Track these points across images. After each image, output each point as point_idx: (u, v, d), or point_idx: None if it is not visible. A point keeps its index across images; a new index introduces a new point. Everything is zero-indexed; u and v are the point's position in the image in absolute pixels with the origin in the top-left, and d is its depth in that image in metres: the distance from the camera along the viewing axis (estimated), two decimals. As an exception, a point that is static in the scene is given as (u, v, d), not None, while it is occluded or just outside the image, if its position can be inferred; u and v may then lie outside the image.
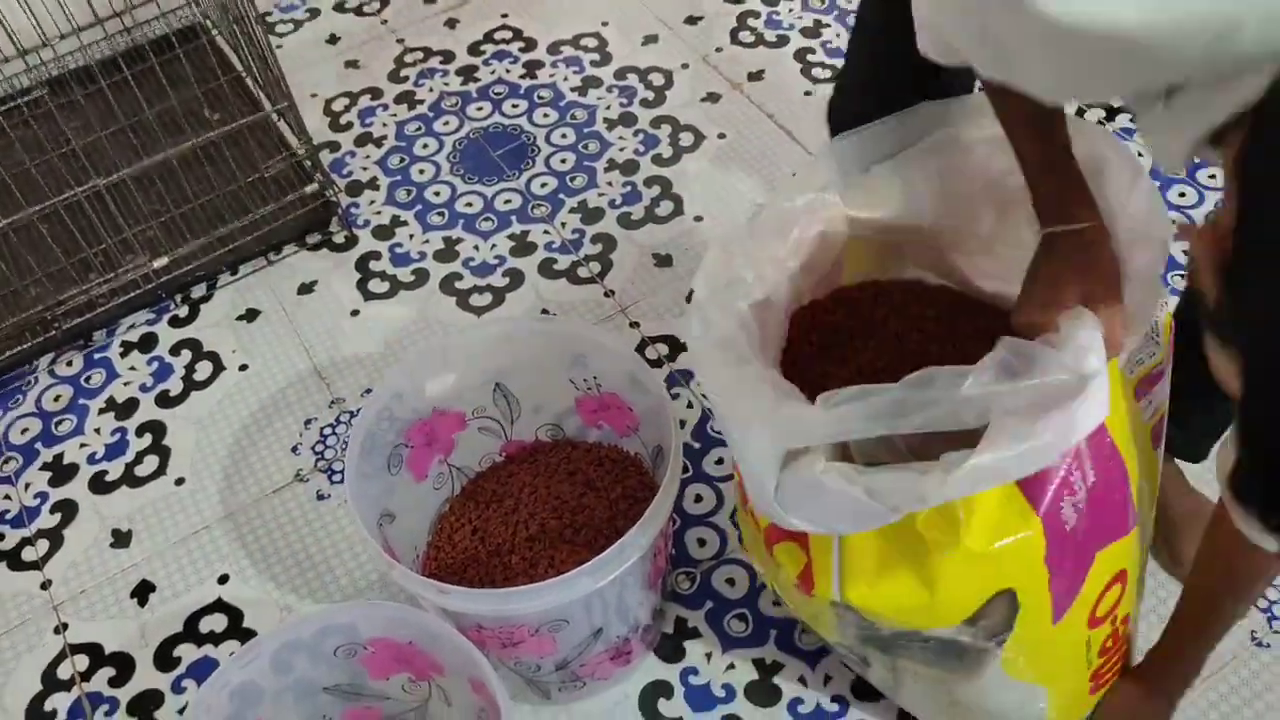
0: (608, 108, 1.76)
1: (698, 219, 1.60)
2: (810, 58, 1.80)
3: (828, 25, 1.85)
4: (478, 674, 0.94)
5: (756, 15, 1.88)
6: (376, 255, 1.61)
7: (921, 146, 0.96)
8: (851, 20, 1.84)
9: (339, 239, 1.63)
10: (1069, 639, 0.91)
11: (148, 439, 1.43)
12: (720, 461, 1.34)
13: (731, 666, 1.19)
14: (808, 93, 1.75)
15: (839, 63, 1.76)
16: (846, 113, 1.10)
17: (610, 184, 1.66)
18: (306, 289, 1.58)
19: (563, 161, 1.70)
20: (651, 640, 1.19)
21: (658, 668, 1.19)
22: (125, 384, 1.49)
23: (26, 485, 1.39)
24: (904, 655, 0.95)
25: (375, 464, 1.13)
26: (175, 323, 1.56)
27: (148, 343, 1.53)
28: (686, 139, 1.70)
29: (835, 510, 0.81)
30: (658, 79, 1.80)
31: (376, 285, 1.57)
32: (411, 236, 1.62)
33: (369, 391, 1.45)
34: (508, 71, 1.84)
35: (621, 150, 1.70)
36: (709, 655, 1.20)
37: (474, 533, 1.21)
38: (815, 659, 1.18)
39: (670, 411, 1.06)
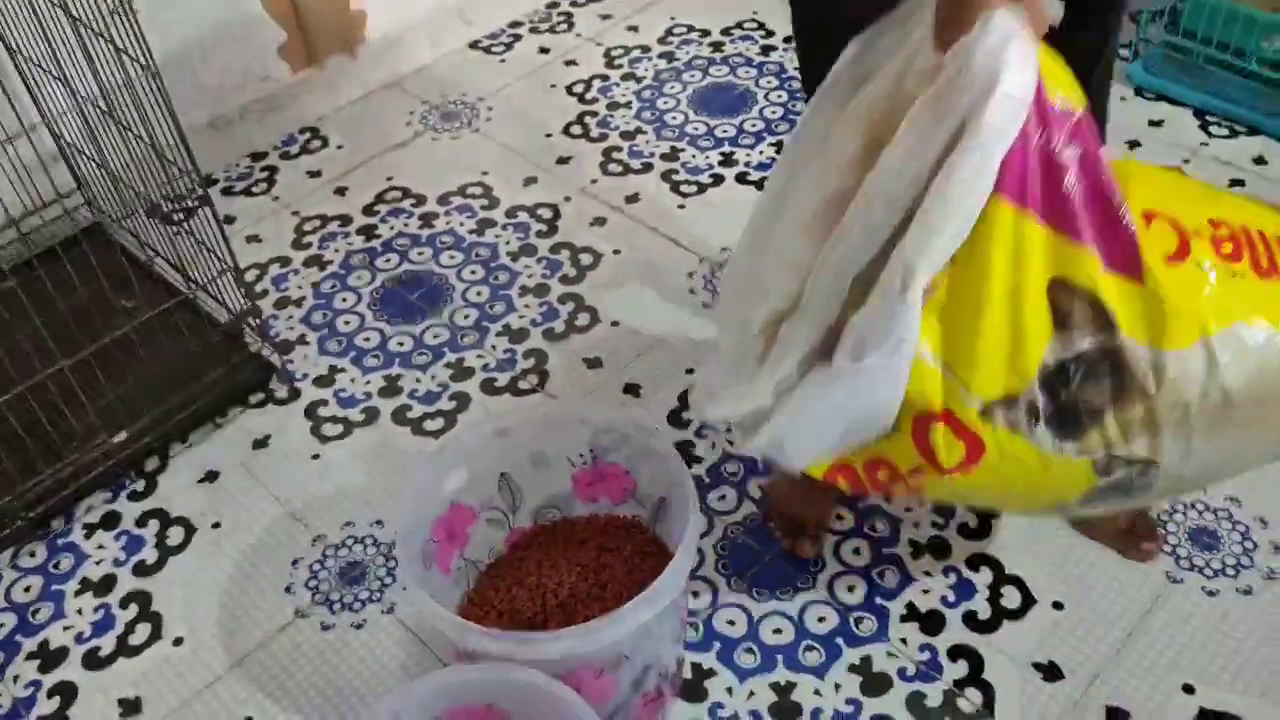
0: (507, 243, 1.94)
1: (614, 324, 1.77)
2: (675, 177, 2.04)
3: (683, 149, 2.10)
4: (558, 714, 1.03)
5: (619, 149, 2.12)
6: (323, 403, 1.69)
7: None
8: (702, 143, 2.11)
9: (281, 394, 1.71)
10: (1184, 276, 0.96)
11: (134, 609, 1.44)
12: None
13: (752, 694, 1.30)
14: (681, 205, 1.98)
15: (701, 179, 2.02)
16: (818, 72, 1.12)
17: (528, 306, 1.82)
18: (261, 444, 1.64)
19: (478, 294, 1.85)
20: (676, 688, 1.29)
21: (687, 710, 1.29)
22: (97, 563, 1.50)
23: (15, 678, 1.37)
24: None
25: (414, 562, 1.21)
26: (134, 497, 1.58)
27: (111, 520, 1.55)
28: (586, 259, 1.89)
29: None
30: (546, 212, 1.99)
31: (330, 429, 1.65)
32: (353, 380, 1.72)
33: (349, 524, 1.51)
34: (405, 225, 1.99)
35: (530, 277, 1.87)
36: (729, 689, 1.31)
37: (500, 615, 1.29)
38: (823, 670, 1.31)
39: (673, 454, 1.21)
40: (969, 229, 0.91)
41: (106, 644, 1.40)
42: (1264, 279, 1.00)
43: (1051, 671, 1.29)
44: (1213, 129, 2.01)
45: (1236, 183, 1.90)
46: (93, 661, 1.38)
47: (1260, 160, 1.94)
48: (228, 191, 2.10)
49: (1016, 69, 0.88)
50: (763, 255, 1.07)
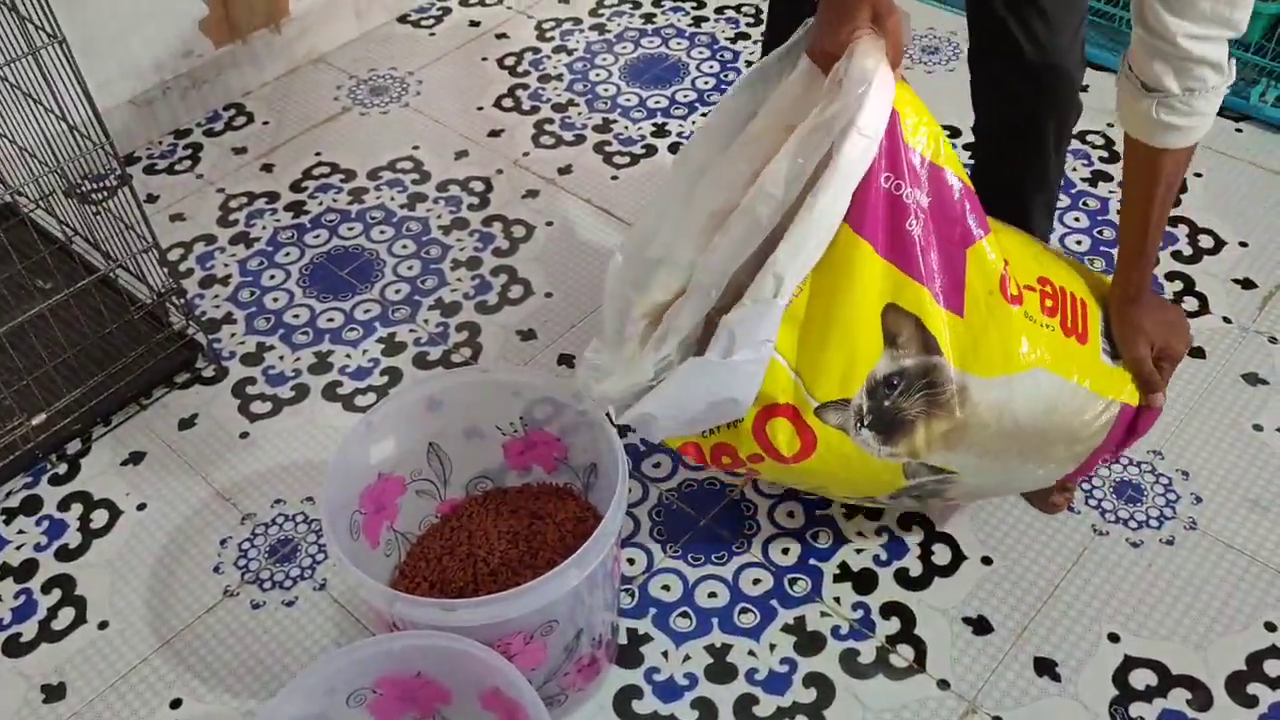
0: (439, 217, 1.91)
1: (548, 295, 1.76)
2: (608, 149, 2.03)
3: (615, 120, 2.09)
4: (491, 682, 1.02)
5: (550, 122, 2.10)
6: (251, 381, 1.66)
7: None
8: (634, 114, 2.11)
9: (208, 373, 1.67)
10: (1003, 319, 1.12)
11: (57, 594, 1.40)
12: (629, 490, 1.47)
13: (687, 658, 1.30)
14: (614, 177, 1.97)
15: (634, 149, 2.01)
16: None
17: (460, 280, 1.80)
18: (187, 424, 1.60)
19: (409, 268, 1.82)
20: (611, 654, 1.29)
21: (623, 676, 1.29)
22: (17, 548, 1.46)
23: (-68, 667, 1.33)
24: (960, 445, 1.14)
25: (341, 534, 1.19)
26: (56, 480, 1.54)
27: (31, 505, 1.51)
28: (519, 231, 1.87)
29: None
30: (478, 186, 1.97)
31: (259, 406, 1.62)
32: (281, 358, 1.69)
33: (279, 501, 1.49)
34: (334, 201, 1.96)
35: (462, 250, 1.85)
36: (665, 654, 1.31)
37: (431, 587, 1.28)
38: (758, 632, 1.32)
39: (603, 420, 1.20)
40: (822, 251, 1.04)
41: (28, 630, 1.37)
42: (1067, 337, 1.17)
43: (981, 625, 1.31)
44: None
45: (1159, 146, 1.93)
46: (14, 649, 1.35)
47: (1182, 124, 1.97)
48: (150, 170, 2.05)
49: (872, 109, 0.99)
50: (652, 252, 1.17)
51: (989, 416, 1.14)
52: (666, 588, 1.37)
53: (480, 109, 2.14)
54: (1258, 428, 1.49)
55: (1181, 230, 1.78)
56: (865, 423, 1.11)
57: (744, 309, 1.03)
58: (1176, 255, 1.74)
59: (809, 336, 1.09)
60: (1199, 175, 1.87)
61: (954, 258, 1.10)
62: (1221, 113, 1.97)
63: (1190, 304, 1.66)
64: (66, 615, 1.38)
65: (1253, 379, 1.55)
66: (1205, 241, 1.76)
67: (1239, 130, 1.95)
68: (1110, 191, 1.85)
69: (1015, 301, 1.13)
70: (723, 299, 1.08)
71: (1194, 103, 1.04)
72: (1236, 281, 1.69)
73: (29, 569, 1.43)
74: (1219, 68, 1.03)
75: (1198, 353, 1.59)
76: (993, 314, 1.12)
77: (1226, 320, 1.64)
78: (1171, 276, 1.71)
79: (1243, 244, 1.75)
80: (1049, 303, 1.16)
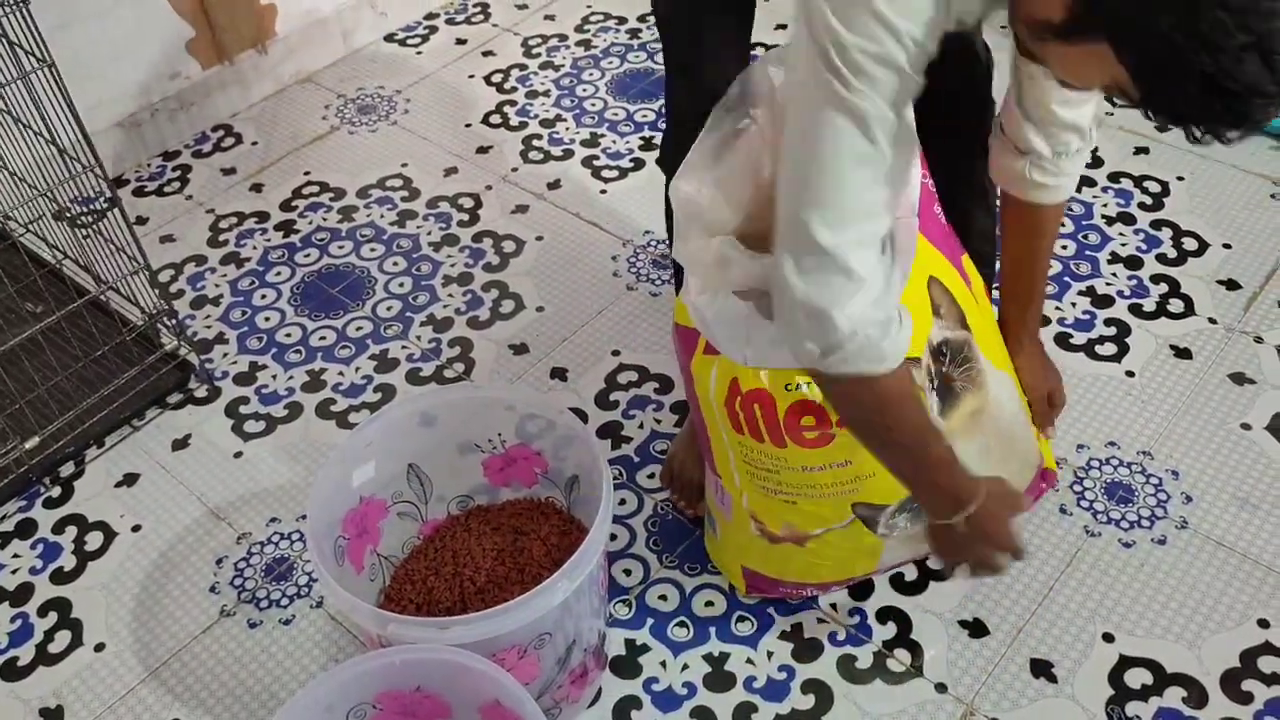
0: (429, 233, 1.92)
1: (540, 309, 1.77)
2: (596, 162, 2.04)
3: (603, 135, 2.10)
4: (491, 695, 1.02)
5: (539, 137, 2.11)
6: (244, 400, 1.66)
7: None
8: (622, 128, 2.12)
9: (201, 393, 1.67)
10: (990, 316, 1.21)
11: (53, 617, 1.40)
12: (623, 502, 1.48)
13: (685, 667, 1.31)
14: (603, 190, 1.98)
15: (622, 163, 2.03)
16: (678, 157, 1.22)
17: (451, 295, 1.80)
18: (181, 444, 1.60)
19: (401, 285, 1.83)
20: (602, 661, 1.29)
21: (622, 686, 1.29)
22: (13, 572, 1.45)
23: (-72, 693, 1.33)
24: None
25: (327, 559, 1.20)
26: (50, 504, 1.54)
27: (26, 529, 1.50)
28: (509, 246, 1.88)
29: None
30: (467, 202, 1.98)
31: (252, 426, 1.62)
32: (274, 377, 1.69)
33: (275, 520, 1.49)
34: (324, 219, 1.97)
35: (453, 266, 1.85)
36: (663, 663, 1.31)
37: (418, 609, 1.28)
38: (755, 640, 1.32)
39: (583, 430, 1.21)
40: None
41: (25, 654, 1.36)
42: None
43: (977, 628, 1.31)
44: (1117, 99, 2.06)
45: (1141, 150, 1.95)
46: (11, 673, 1.35)
47: (1164, 127, 1.99)
48: (140, 192, 2.06)
49: None
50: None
51: (994, 407, 1.18)
52: (664, 597, 1.38)
53: (468, 126, 2.15)
54: (1245, 427, 1.50)
55: (1166, 233, 1.80)
56: (934, 384, 1.12)
57: None
58: (1161, 258, 1.75)
59: None
60: (1181, 179, 1.89)
61: (955, 249, 1.14)
62: (1202, 116, 2.00)
63: (1176, 306, 1.68)
64: (63, 638, 1.38)
65: (1239, 379, 1.57)
66: (1189, 244, 1.77)
67: (1220, 133, 1.97)
68: (1094, 197, 1.87)
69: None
70: None
71: (1061, 164, 1.14)
72: (1221, 283, 1.71)
73: (24, 592, 1.43)
74: (1083, 133, 1.13)
75: (1185, 354, 1.60)
76: (983, 308, 1.16)
77: (1212, 321, 1.65)
78: (1156, 279, 1.72)
79: (1226, 246, 1.77)
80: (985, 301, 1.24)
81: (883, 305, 0.93)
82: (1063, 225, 1.81)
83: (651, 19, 2.39)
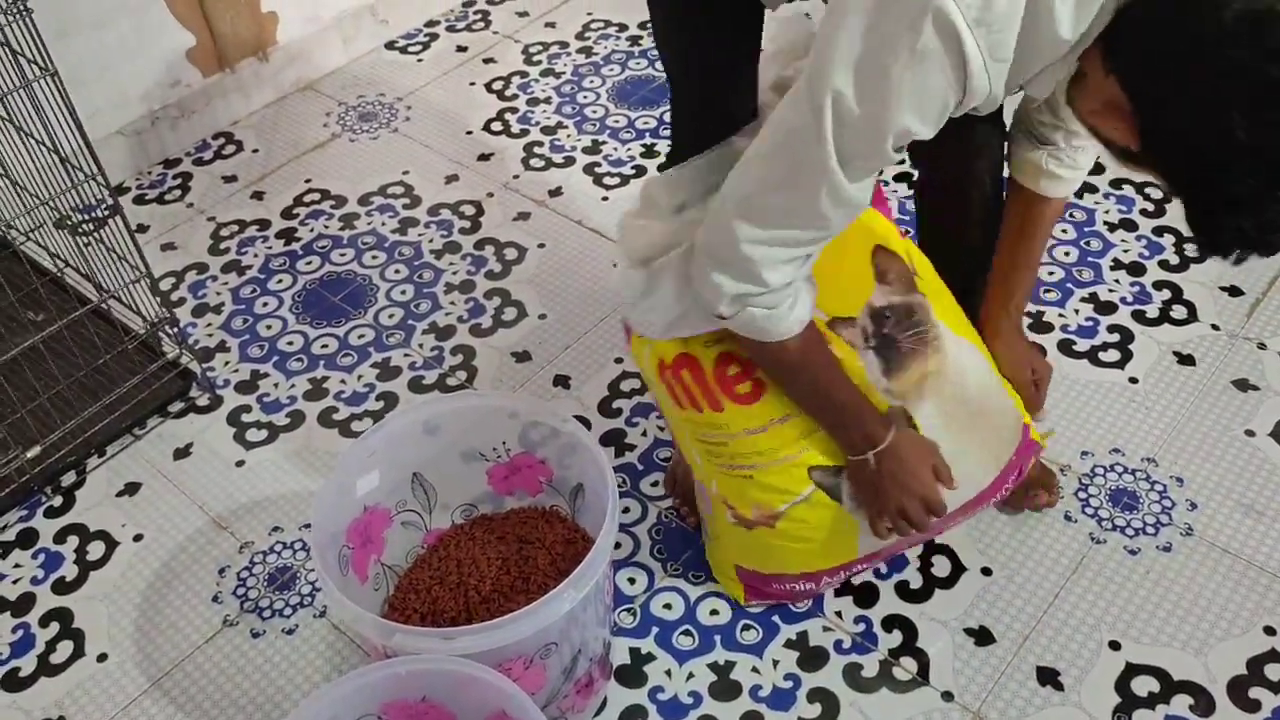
0: (431, 241, 1.92)
1: (542, 316, 1.76)
2: (598, 170, 2.04)
3: (605, 142, 2.10)
4: (497, 706, 1.02)
5: (540, 144, 2.11)
6: (246, 409, 1.65)
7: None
8: (623, 136, 2.12)
9: (203, 402, 1.67)
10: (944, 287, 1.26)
11: (55, 627, 1.39)
12: (627, 510, 1.48)
13: (691, 676, 1.30)
14: (605, 198, 1.98)
15: (623, 170, 2.03)
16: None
17: (454, 303, 1.80)
18: (183, 453, 1.60)
19: (403, 293, 1.82)
20: (607, 671, 1.29)
21: (627, 695, 1.29)
22: (14, 582, 1.45)
23: (-70, 704, 1.32)
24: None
25: (331, 569, 1.19)
26: (51, 513, 1.53)
27: (27, 538, 1.50)
28: (511, 253, 1.88)
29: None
30: (469, 209, 1.98)
31: (254, 434, 1.62)
32: (276, 385, 1.69)
33: (277, 529, 1.49)
34: (326, 227, 1.96)
35: (455, 273, 1.85)
36: (669, 672, 1.31)
37: (423, 619, 1.27)
38: (761, 648, 1.32)
39: (588, 438, 1.21)
40: None
41: (27, 664, 1.36)
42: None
43: (983, 636, 1.31)
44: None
45: (1143, 157, 1.95)
46: (13, 683, 1.34)
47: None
48: (141, 200, 2.05)
49: None
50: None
51: (952, 372, 1.22)
52: (668, 606, 1.37)
53: (470, 133, 2.15)
54: (1250, 433, 1.50)
55: (1168, 240, 1.80)
56: (872, 344, 1.18)
57: None
58: (1164, 264, 1.75)
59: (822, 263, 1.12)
60: (1183, 185, 1.89)
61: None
62: (1203, 123, 2.00)
63: (1179, 312, 1.68)
64: (65, 649, 1.37)
65: (1243, 385, 1.57)
66: (1192, 250, 1.78)
67: (1221, 140, 1.97)
68: (1095, 203, 1.87)
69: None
70: None
71: (1077, 157, 1.19)
72: (1224, 289, 1.71)
73: (26, 603, 1.42)
74: None
75: (1188, 360, 1.60)
76: (939, 279, 1.23)
77: (1215, 328, 1.65)
78: (1159, 285, 1.72)
79: (1228, 252, 1.77)
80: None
81: (778, 297, 1.03)
82: (1065, 232, 1.82)
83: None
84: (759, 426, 1.17)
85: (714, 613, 1.36)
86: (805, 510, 1.21)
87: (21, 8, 1.34)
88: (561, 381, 1.66)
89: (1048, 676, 1.27)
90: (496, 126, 2.16)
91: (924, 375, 1.21)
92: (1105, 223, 1.83)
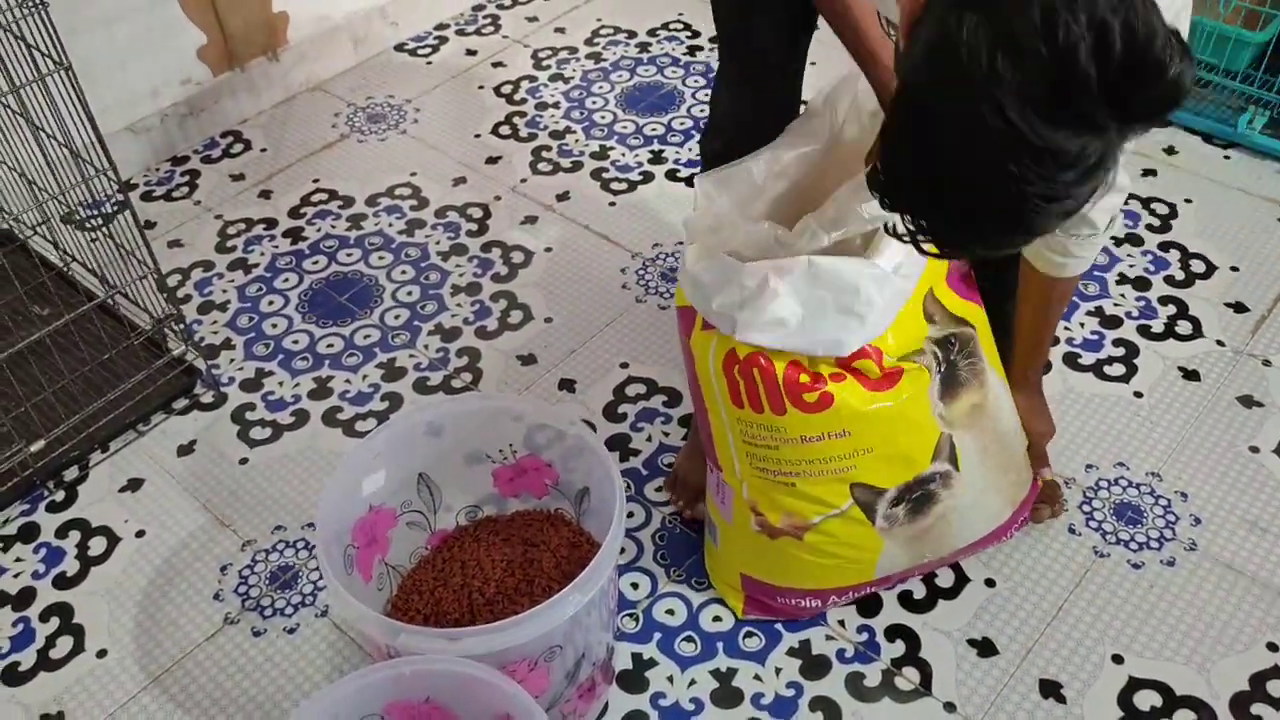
0: (437, 243, 1.92)
1: (548, 320, 1.77)
2: (605, 175, 2.04)
3: (612, 148, 2.10)
4: (501, 708, 1.02)
5: (548, 149, 2.11)
6: (251, 407, 1.65)
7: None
8: (631, 141, 2.12)
9: (207, 399, 1.67)
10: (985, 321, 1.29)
11: (55, 622, 1.39)
12: (631, 514, 1.48)
13: (693, 682, 1.30)
14: (612, 203, 1.98)
15: (631, 176, 2.03)
16: (718, 150, 1.34)
17: (460, 305, 1.80)
18: (186, 450, 1.60)
19: (409, 294, 1.82)
20: (609, 675, 1.29)
21: (629, 700, 1.28)
22: (15, 576, 1.44)
23: (-72, 697, 1.32)
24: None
25: (336, 566, 1.19)
26: (53, 508, 1.53)
27: (29, 532, 1.49)
28: (518, 257, 1.88)
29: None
30: (476, 212, 1.98)
31: (258, 433, 1.61)
32: (281, 384, 1.68)
33: (280, 527, 1.48)
34: (333, 227, 1.96)
35: (461, 275, 1.85)
36: (671, 678, 1.30)
37: (426, 620, 1.27)
38: (763, 656, 1.32)
39: (595, 441, 1.21)
40: None
41: (26, 659, 1.35)
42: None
43: (986, 647, 1.31)
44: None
45: (1149, 172, 1.96)
46: (12, 678, 1.33)
47: (1171, 150, 2.00)
48: (148, 197, 2.05)
49: None
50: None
51: (993, 409, 1.25)
52: (671, 612, 1.37)
53: (478, 136, 2.15)
54: (1254, 449, 1.50)
55: (1174, 255, 1.80)
56: (940, 369, 1.20)
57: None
58: (1169, 280, 1.76)
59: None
60: (1189, 201, 1.90)
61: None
62: (1211, 140, 2.01)
63: (1184, 328, 1.68)
64: (65, 643, 1.37)
65: (1248, 401, 1.57)
66: (1197, 266, 1.78)
67: (1227, 157, 1.98)
68: (1103, 217, 1.87)
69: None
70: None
71: (1071, 248, 1.18)
72: (1229, 305, 1.71)
73: (26, 597, 1.42)
74: (1095, 226, 1.15)
75: (1193, 376, 1.61)
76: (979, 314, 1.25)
77: (1220, 344, 1.65)
78: (1164, 301, 1.72)
79: (1234, 269, 1.77)
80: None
81: None
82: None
83: (662, 32, 2.40)
84: (815, 436, 1.17)
85: (716, 619, 1.36)
86: (838, 525, 1.22)
87: (36, 1, 1.34)
88: (567, 385, 1.66)
89: (1050, 689, 1.27)
90: (505, 130, 2.16)
91: (973, 406, 1.23)
92: (1111, 237, 1.84)
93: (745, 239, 1.15)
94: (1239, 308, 1.71)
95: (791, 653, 1.32)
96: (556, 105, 2.22)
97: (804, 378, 1.14)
